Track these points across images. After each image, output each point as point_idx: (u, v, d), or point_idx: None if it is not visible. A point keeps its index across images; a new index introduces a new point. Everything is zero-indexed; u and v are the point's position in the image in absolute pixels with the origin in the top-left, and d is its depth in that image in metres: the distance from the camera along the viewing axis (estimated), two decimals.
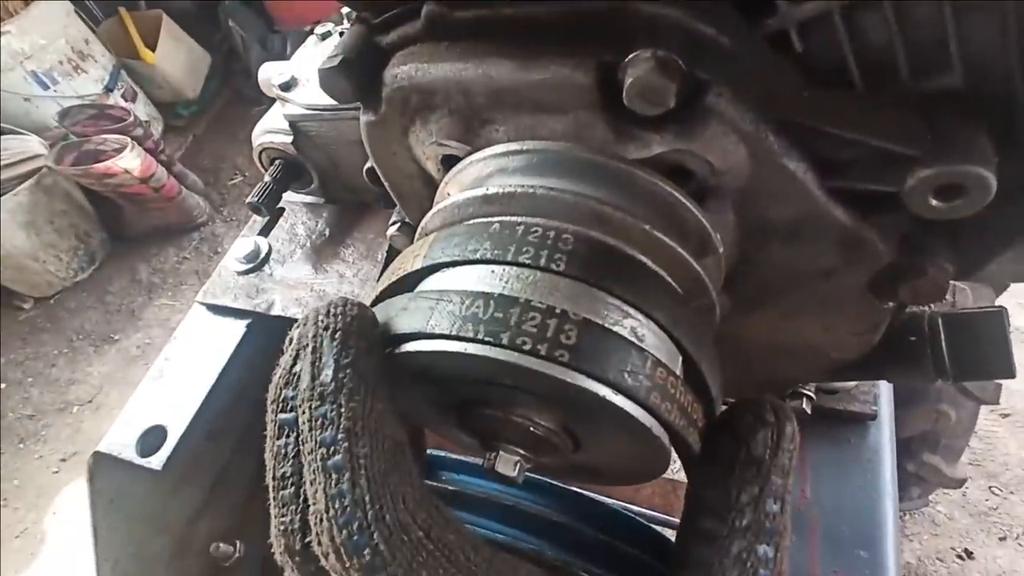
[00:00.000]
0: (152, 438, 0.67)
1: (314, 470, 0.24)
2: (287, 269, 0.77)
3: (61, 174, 2.20)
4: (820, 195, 0.31)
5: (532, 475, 0.86)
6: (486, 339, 0.25)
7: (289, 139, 0.75)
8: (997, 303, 1.10)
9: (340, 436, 0.24)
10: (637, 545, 0.68)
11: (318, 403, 0.25)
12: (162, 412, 0.69)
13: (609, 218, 0.29)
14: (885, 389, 0.54)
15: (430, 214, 0.34)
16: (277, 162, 0.77)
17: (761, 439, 0.29)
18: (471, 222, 0.31)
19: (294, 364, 0.27)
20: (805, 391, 0.48)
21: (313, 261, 0.77)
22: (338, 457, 0.24)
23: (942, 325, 0.38)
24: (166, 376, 0.73)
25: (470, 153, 0.34)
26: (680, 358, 0.29)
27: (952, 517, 1.50)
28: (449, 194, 0.34)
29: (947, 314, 0.39)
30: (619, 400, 0.25)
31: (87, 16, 2.52)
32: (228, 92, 3.04)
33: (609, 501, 0.59)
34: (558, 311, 0.25)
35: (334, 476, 0.24)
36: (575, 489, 0.57)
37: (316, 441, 0.24)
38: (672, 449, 0.29)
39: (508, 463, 0.30)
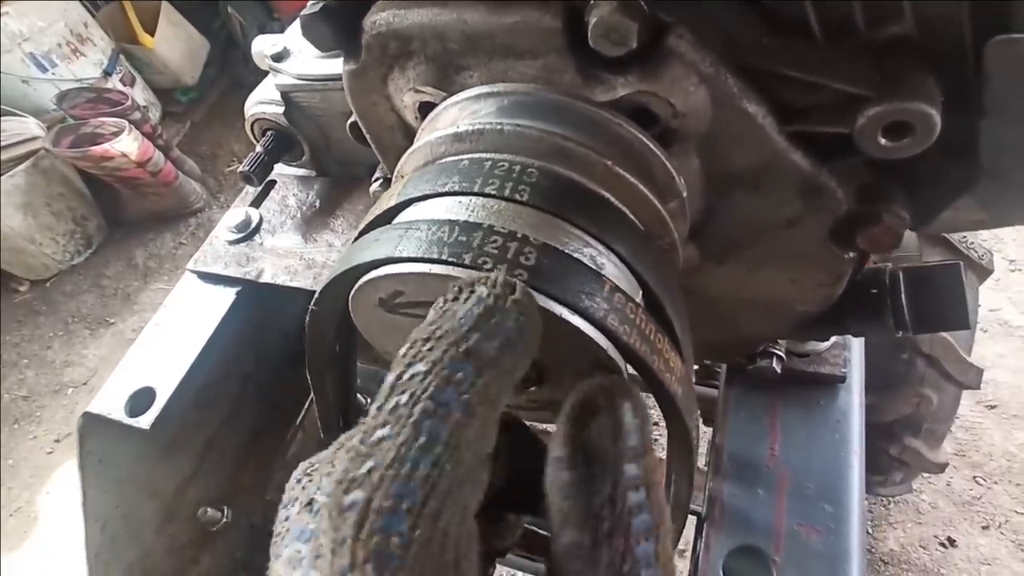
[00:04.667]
0: (141, 399, 0.68)
1: (406, 417, 0.20)
2: (277, 239, 0.78)
3: (59, 156, 2.21)
4: (780, 139, 0.32)
5: None
6: (449, 259, 0.26)
7: (281, 110, 0.76)
8: (981, 289, 1.12)
9: (457, 404, 0.20)
10: None
11: (460, 357, 0.21)
12: (151, 375, 0.70)
13: (573, 153, 0.30)
14: (856, 353, 0.55)
15: (405, 155, 0.35)
16: (269, 133, 0.78)
17: (596, 431, 0.25)
18: (442, 160, 0.32)
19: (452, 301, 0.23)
20: (775, 350, 0.50)
21: (303, 231, 0.78)
22: (442, 425, 0.20)
23: (902, 278, 0.39)
24: (155, 342, 0.74)
25: (445, 99, 0.35)
26: (641, 292, 0.31)
27: (936, 506, 1.52)
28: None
29: (907, 268, 0.40)
30: (575, 320, 0.26)
31: (87, 0, 2.52)
32: (226, 79, 3.05)
33: None
34: (519, 235, 0.26)
35: (423, 439, 0.20)
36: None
37: (429, 391, 0.20)
38: (626, 371, 0.30)
39: None
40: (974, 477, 1.55)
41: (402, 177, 0.34)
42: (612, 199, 0.30)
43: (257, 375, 0.82)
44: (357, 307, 0.32)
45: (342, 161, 0.82)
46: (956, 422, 1.62)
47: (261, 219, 0.80)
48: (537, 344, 0.24)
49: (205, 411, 0.79)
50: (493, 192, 0.28)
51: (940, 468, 1.16)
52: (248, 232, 0.78)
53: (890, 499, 1.54)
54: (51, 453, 2.05)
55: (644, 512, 0.24)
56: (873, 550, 1.48)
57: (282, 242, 0.77)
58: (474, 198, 0.28)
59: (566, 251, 0.27)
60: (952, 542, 1.46)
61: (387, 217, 0.32)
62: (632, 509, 0.24)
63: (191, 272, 0.78)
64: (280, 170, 0.84)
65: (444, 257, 0.26)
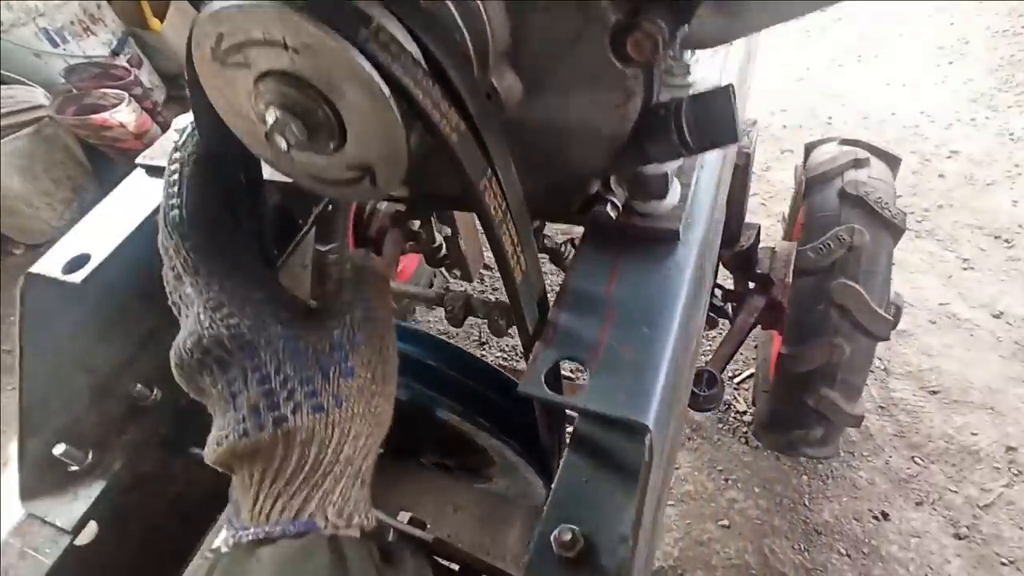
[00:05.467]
0: (77, 262, 0.75)
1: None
2: None
3: (62, 124, 2.32)
4: None
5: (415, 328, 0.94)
6: None
7: None
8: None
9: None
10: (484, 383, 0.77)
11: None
12: (88, 245, 0.77)
13: None
14: (700, 218, 0.61)
15: None
16: None
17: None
18: None
19: None
20: (611, 198, 0.57)
21: None
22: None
23: (684, 103, 0.47)
24: (96, 222, 0.81)
25: None
26: (423, 62, 0.38)
27: (873, 482, 1.56)
28: None
29: (690, 96, 0.47)
30: (360, 58, 0.34)
31: None
32: None
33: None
34: None
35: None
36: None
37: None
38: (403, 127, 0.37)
39: (281, 136, 0.38)
40: (912, 457, 1.59)
41: None
42: None
43: None
44: (201, 68, 0.40)
45: None
46: (898, 406, 1.67)
47: None
48: None
49: (147, 303, 0.86)
50: None
51: (857, 421, 1.20)
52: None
53: (828, 476, 1.58)
54: None
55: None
56: (807, 521, 1.51)
57: None
58: None
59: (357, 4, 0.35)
60: (885, 516, 1.49)
61: None
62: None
63: (140, 166, 0.86)
64: None
65: None
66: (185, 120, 0.88)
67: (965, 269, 1.94)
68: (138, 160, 0.86)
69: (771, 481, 1.59)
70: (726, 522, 1.53)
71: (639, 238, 0.60)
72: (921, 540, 1.45)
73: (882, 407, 1.68)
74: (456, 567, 0.74)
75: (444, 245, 1.95)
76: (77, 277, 0.74)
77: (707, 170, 0.66)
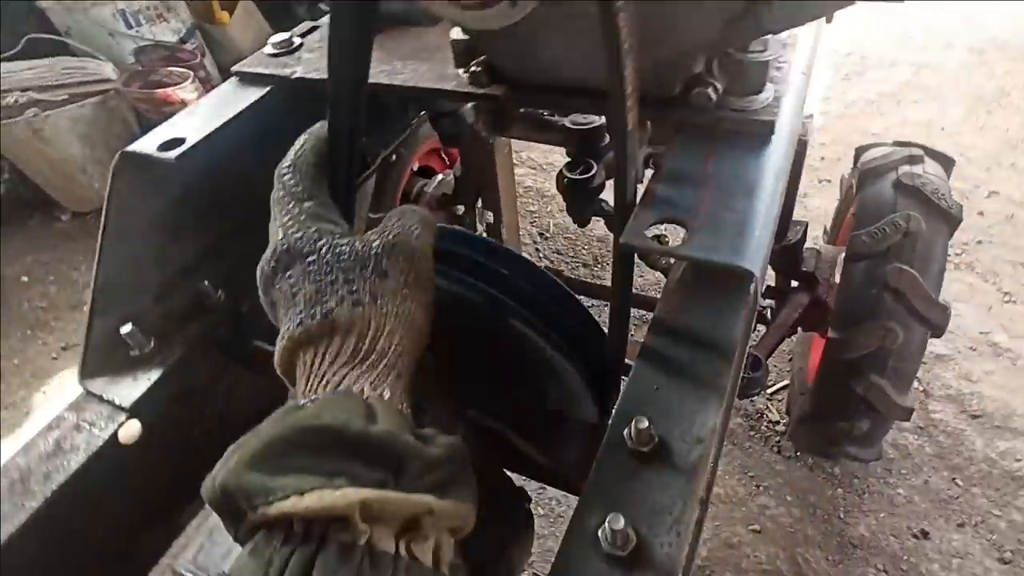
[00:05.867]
0: (172, 144, 0.78)
1: None
2: (315, 56, 0.90)
3: (127, 98, 2.43)
4: None
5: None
6: None
7: None
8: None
9: None
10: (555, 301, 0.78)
11: None
12: (183, 130, 0.80)
13: None
14: (786, 124, 0.63)
15: None
16: None
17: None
18: None
19: None
20: (712, 81, 0.59)
21: None
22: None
23: None
24: (191, 118, 0.85)
25: None
26: None
27: (911, 500, 1.50)
28: None
29: None
30: None
31: None
32: None
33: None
34: None
35: None
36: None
37: None
38: None
39: None
40: (953, 479, 1.53)
41: None
42: None
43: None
44: None
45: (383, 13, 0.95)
46: (937, 427, 1.63)
47: (303, 43, 0.92)
48: None
49: (224, 207, 0.88)
50: None
51: (906, 414, 1.18)
52: (289, 49, 0.91)
53: (864, 491, 1.53)
54: (56, 359, 2.13)
55: None
56: (842, 533, 1.46)
57: (318, 58, 0.89)
58: None
59: None
60: (925, 534, 1.43)
61: None
62: None
63: (235, 73, 0.90)
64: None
65: None
66: (279, 37, 0.93)
67: (1007, 302, 1.92)
68: (234, 68, 0.90)
69: (804, 491, 1.54)
70: (757, 527, 1.47)
71: (733, 132, 0.62)
72: (963, 561, 1.38)
73: (921, 427, 1.63)
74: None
75: (486, 233, 1.97)
76: (171, 155, 0.76)
77: (793, 79, 0.67)
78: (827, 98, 2.77)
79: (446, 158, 1.89)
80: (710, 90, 0.58)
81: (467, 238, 0.79)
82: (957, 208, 1.15)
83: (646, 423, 0.45)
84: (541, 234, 2.42)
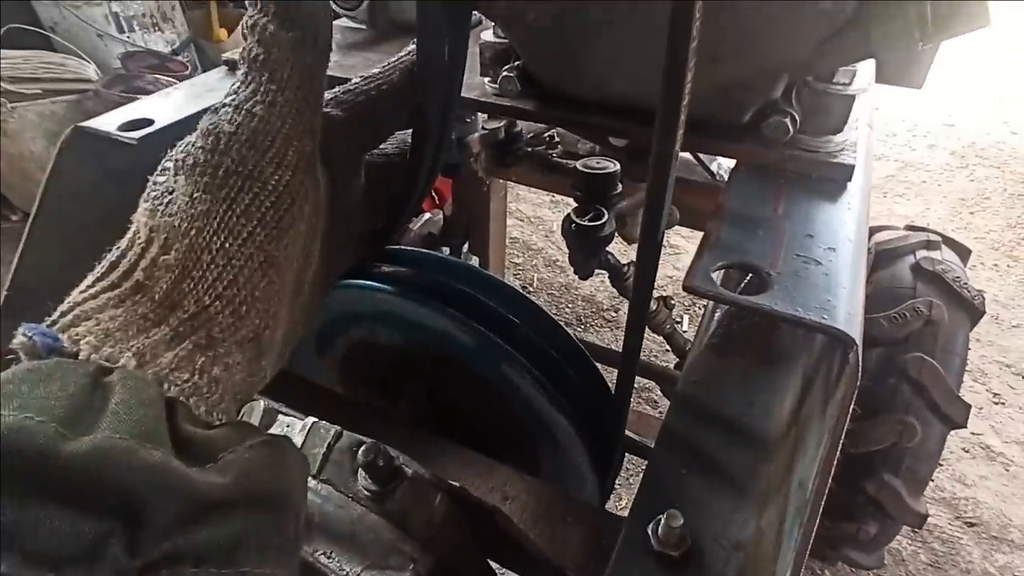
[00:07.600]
0: (137, 124, 0.66)
1: None
2: None
3: (106, 101, 2.29)
4: None
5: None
6: None
7: None
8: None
9: None
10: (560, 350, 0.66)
11: None
12: (152, 111, 0.69)
13: None
14: (861, 159, 0.54)
15: None
16: None
17: None
18: None
19: None
20: (790, 110, 0.50)
21: (340, 55, 0.81)
22: None
23: None
24: (166, 100, 0.73)
25: None
26: None
27: None
28: None
29: None
30: None
31: None
32: None
33: None
34: None
35: None
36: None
37: None
38: None
39: None
40: None
41: None
42: None
43: None
44: None
45: (395, 22, 0.87)
46: (932, 533, 1.52)
47: None
48: None
49: None
50: None
51: (920, 520, 1.07)
52: None
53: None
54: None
55: None
56: None
57: None
58: None
59: None
60: None
61: None
62: None
63: (226, 62, 0.80)
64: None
65: None
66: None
67: (996, 403, 1.87)
68: (225, 55, 0.79)
69: None
70: None
71: (803, 173, 0.53)
72: None
73: (915, 532, 1.53)
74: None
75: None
76: (133, 135, 0.64)
77: (862, 128, 0.60)
78: None
79: (435, 197, 1.80)
80: (788, 120, 0.49)
81: (472, 273, 0.68)
82: (980, 300, 1.09)
83: (680, 520, 0.35)
84: (524, 287, 2.32)
